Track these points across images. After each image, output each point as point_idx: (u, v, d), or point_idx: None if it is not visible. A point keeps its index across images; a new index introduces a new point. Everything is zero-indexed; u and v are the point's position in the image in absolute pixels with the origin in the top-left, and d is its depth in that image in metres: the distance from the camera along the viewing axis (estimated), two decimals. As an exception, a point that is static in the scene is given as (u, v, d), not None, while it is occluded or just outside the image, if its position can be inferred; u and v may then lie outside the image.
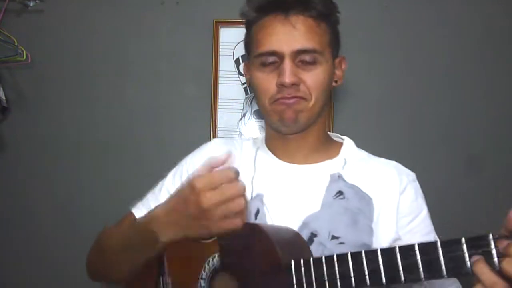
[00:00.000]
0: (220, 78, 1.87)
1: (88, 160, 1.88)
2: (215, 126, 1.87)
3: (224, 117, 1.87)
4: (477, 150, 1.86)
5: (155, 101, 1.90)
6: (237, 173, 0.75)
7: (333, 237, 0.90)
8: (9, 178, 1.88)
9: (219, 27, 1.85)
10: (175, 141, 1.84)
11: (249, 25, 0.97)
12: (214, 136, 1.86)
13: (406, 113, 1.90)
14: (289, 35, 0.89)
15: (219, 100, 1.87)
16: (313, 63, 0.91)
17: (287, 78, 0.88)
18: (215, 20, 1.85)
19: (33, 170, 1.88)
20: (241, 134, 1.86)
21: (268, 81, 0.92)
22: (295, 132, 0.97)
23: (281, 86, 0.90)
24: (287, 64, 0.89)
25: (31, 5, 1.85)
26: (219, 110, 1.87)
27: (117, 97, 1.90)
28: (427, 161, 1.86)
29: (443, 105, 1.89)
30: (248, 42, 0.97)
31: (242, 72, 1.08)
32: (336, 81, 0.99)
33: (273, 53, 0.90)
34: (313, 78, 0.91)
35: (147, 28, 1.90)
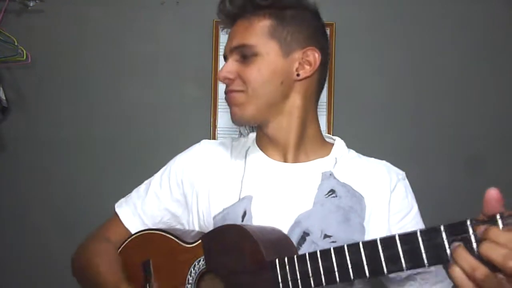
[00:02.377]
0: (220, 78, 1.87)
1: (87, 160, 1.88)
2: (215, 126, 1.87)
3: (224, 117, 1.87)
4: (477, 150, 1.86)
5: (155, 101, 1.90)
6: None
7: (325, 236, 0.91)
8: (9, 178, 1.88)
9: (219, 27, 1.86)
10: (175, 141, 1.83)
11: None
12: (214, 136, 1.86)
13: (406, 113, 1.90)
14: (229, 38, 1.00)
15: (219, 100, 1.87)
16: (251, 57, 0.95)
17: (219, 74, 0.97)
18: (215, 20, 1.85)
19: (33, 170, 1.88)
20: (241, 134, 1.86)
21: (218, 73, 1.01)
22: (245, 124, 1.00)
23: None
24: (225, 63, 0.98)
25: (31, 5, 1.85)
26: (219, 110, 1.87)
27: (117, 97, 1.90)
28: (426, 161, 1.86)
29: (443, 105, 1.90)
30: None
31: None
32: (298, 74, 0.97)
33: (225, 56, 1.01)
34: (249, 72, 0.95)
35: (147, 28, 1.90)
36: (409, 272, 0.93)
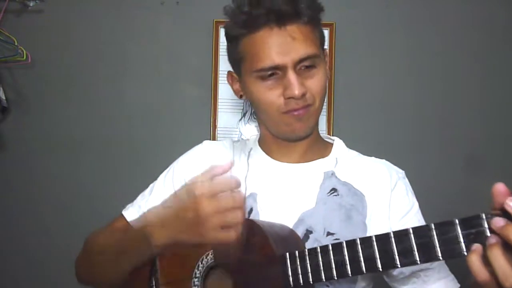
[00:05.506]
0: (220, 78, 1.87)
1: (88, 160, 1.88)
2: (215, 126, 1.87)
3: (224, 117, 1.87)
4: (477, 149, 1.86)
5: (155, 101, 1.90)
6: (238, 183, 0.76)
7: (328, 233, 0.91)
8: (9, 178, 1.88)
9: (219, 27, 1.86)
10: (175, 141, 1.84)
11: (235, 40, 0.95)
12: (214, 136, 1.86)
13: (406, 113, 1.90)
14: (289, 46, 0.88)
15: (219, 100, 1.87)
16: (313, 67, 0.91)
17: (297, 91, 0.88)
18: (215, 20, 1.85)
19: (33, 170, 1.88)
20: (241, 134, 1.86)
21: (273, 94, 0.91)
22: (304, 138, 0.98)
23: (290, 98, 0.89)
24: (293, 76, 0.88)
25: (31, 5, 1.85)
26: (219, 110, 1.87)
27: (117, 97, 1.90)
28: (426, 161, 1.86)
29: (443, 104, 1.90)
30: (237, 56, 0.95)
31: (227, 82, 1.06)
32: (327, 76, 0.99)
33: (275, 67, 0.89)
34: (316, 84, 0.91)
35: (147, 28, 1.90)
36: (412, 269, 0.93)
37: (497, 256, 0.60)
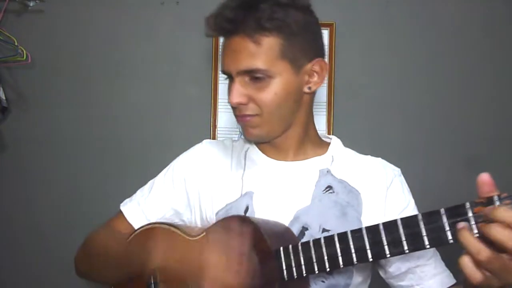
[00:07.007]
0: (220, 78, 1.87)
1: (88, 160, 1.88)
2: (215, 126, 1.87)
3: (224, 117, 1.87)
4: (477, 149, 1.86)
5: (155, 101, 1.90)
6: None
7: (324, 230, 0.93)
8: (9, 178, 1.88)
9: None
10: (175, 141, 1.84)
11: None
12: (214, 136, 1.86)
13: (406, 112, 1.90)
14: (232, 57, 0.92)
15: (219, 100, 1.87)
16: (262, 79, 0.91)
17: (231, 99, 0.93)
18: (215, 20, 1.85)
19: (33, 169, 1.89)
20: (241, 134, 1.86)
21: (229, 96, 0.97)
22: (261, 142, 1.01)
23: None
24: (234, 85, 0.93)
25: (31, 5, 1.85)
26: (219, 110, 1.87)
27: (117, 97, 1.90)
28: (426, 161, 1.86)
29: (443, 104, 1.90)
30: None
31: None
32: (309, 87, 0.96)
33: (225, 72, 0.96)
34: (262, 96, 0.92)
35: (147, 28, 1.90)
36: (408, 265, 0.95)
37: (466, 236, 0.64)
